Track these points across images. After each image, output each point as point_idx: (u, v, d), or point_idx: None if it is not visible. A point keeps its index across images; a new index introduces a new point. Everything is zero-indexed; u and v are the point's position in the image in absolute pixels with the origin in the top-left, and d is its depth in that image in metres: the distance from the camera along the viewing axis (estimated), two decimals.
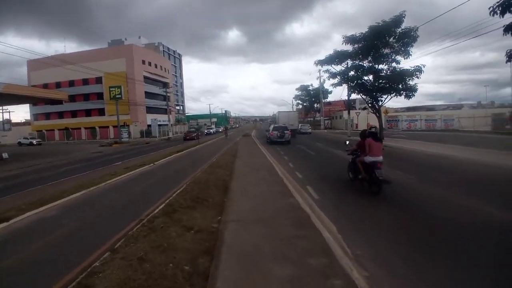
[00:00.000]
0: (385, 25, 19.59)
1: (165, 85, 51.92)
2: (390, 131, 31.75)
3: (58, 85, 50.74)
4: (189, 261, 3.64)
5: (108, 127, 48.28)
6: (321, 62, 24.05)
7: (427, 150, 14.24)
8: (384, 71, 21.37)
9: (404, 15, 19.27)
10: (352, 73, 23.02)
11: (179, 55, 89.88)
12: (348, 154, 8.08)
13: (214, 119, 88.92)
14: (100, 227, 5.67)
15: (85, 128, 50.87)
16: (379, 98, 21.64)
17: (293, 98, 62.80)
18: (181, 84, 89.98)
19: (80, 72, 41.95)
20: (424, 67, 19.29)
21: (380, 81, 21.06)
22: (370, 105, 22.82)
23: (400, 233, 4.48)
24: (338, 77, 23.74)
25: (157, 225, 4.95)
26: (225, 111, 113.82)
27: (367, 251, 3.86)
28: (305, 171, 9.93)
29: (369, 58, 21.52)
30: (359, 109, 40.98)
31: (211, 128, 56.24)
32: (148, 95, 51.95)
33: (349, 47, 22.11)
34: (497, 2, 8.39)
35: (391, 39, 20.09)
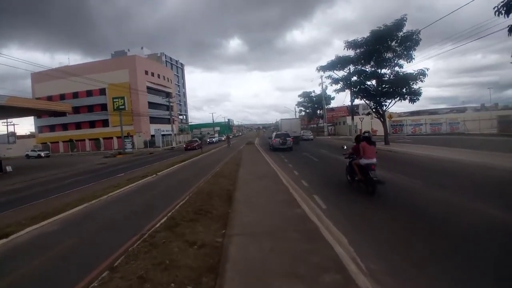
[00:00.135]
0: (386, 29, 19.53)
1: (168, 95, 52.30)
2: (395, 136, 31.37)
3: (62, 97, 51.30)
4: (192, 280, 3.41)
5: (112, 138, 48.49)
6: (323, 68, 24.03)
7: (434, 154, 13.90)
8: (387, 76, 21.23)
9: (405, 19, 19.21)
10: (354, 78, 22.91)
11: (182, 64, 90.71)
12: (346, 158, 8.52)
13: (217, 128, 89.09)
14: (100, 242, 5.47)
15: (90, 139, 51.18)
16: (383, 103, 21.40)
17: (296, 105, 62.68)
18: (184, 93, 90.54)
19: (84, 83, 42.36)
20: (427, 70, 19.09)
21: (384, 85, 20.90)
22: (374, 110, 22.60)
23: (413, 243, 4.22)
24: (341, 82, 23.65)
25: (159, 240, 4.74)
26: (228, 119, 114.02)
27: (382, 264, 3.61)
28: (310, 179, 9.69)
29: (372, 63, 21.42)
30: (362, 114, 40.82)
31: (214, 137, 55.90)
32: (151, 105, 52.24)
33: (351, 52, 22.09)
34: (502, 2, 8.22)
35: (393, 43, 20.01)
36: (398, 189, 7.60)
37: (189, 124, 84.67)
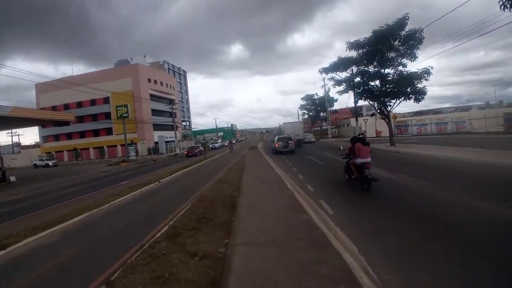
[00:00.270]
0: (389, 28, 19.30)
1: (171, 101, 52.49)
2: (400, 137, 30.94)
3: (66, 106, 51.75)
4: None
5: (116, 146, 48.65)
6: (325, 70, 23.82)
7: (441, 154, 13.52)
8: (391, 75, 20.95)
9: (407, 18, 18.97)
10: (358, 79, 22.65)
11: (184, 71, 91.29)
12: (343, 158, 9.08)
13: (221, 133, 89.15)
14: (99, 254, 5.25)
15: (94, 148, 51.41)
16: (387, 103, 21.08)
17: (299, 108, 62.50)
18: (187, 100, 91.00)
19: (88, 93, 42.66)
20: (432, 68, 18.77)
21: (388, 85, 20.61)
22: (378, 110, 22.29)
23: (426, 248, 3.94)
24: (344, 84, 23.39)
25: (159, 251, 4.51)
26: (231, 124, 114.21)
27: (395, 275, 3.34)
28: (315, 183, 9.42)
29: (375, 63, 21.17)
30: (366, 115, 40.41)
31: (216, 143, 55.53)
32: (155, 112, 52.42)
33: (353, 53, 21.86)
34: None
35: (396, 42, 19.76)
36: (407, 192, 7.32)
37: (193, 130, 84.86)
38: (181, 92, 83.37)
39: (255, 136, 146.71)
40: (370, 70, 21.79)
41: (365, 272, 3.36)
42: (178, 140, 52.07)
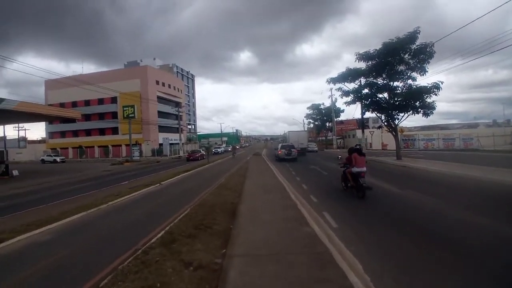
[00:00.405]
0: (399, 41, 19.15)
1: (177, 104, 52.65)
2: (407, 151, 30.46)
3: (74, 104, 52.23)
4: None
5: (120, 145, 48.82)
6: (333, 80, 23.66)
7: (449, 171, 13.16)
8: (400, 89, 20.71)
9: (418, 31, 18.82)
10: (366, 90, 22.45)
11: (192, 75, 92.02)
12: (341, 167, 9.50)
13: (225, 138, 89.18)
14: (90, 257, 5.03)
15: (99, 146, 51.66)
16: (395, 116, 20.79)
17: (304, 117, 62.27)
18: (194, 103, 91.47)
19: (96, 92, 43.05)
20: (442, 83, 18.50)
21: (396, 98, 20.35)
22: (385, 123, 21.99)
23: (436, 270, 3.66)
24: (351, 95, 23.19)
25: (152, 258, 4.28)
26: (236, 130, 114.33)
27: None
28: (319, 194, 9.14)
29: (383, 75, 20.96)
30: (372, 127, 40.05)
31: (219, 147, 55.09)
32: (161, 114, 52.63)
33: (362, 65, 21.72)
34: None
35: (406, 56, 19.58)
36: (415, 208, 7.02)
37: (198, 133, 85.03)
38: (188, 96, 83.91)
39: (260, 143, 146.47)
40: (379, 82, 21.59)
41: None
42: (183, 143, 52.08)
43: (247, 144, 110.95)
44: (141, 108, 47.11)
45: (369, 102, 22.29)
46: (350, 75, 22.59)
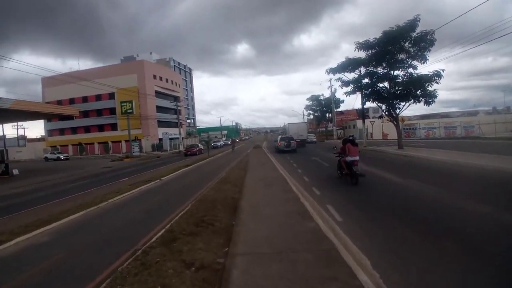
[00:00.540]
0: (399, 29, 18.81)
1: (176, 99, 52.22)
2: (408, 140, 30.29)
3: (72, 101, 51.84)
4: None
5: (120, 141, 48.59)
6: (332, 70, 23.35)
7: (451, 159, 13.00)
8: (400, 77, 20.44)
9: (418, 19, 18.46)
10: (366, 80, 22.18)
11: (190, 69, 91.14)
12: (336, 157, 10.27)
13: (225, 132, 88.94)
14: (89, 259, 4.89)
15: (98, 143, 51.44)
16: (396, 106, 20.55)
17: (304, 108, 61.92)
18: (192, 97, 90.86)
19: (93, 88, 42.57)
20: (443, 71, 18.23)
21: (397, 87, 20.08)
22: (386, 113, 21.77)
23: (448, 264, 3.53)
24: (351, 85, 22.92)
25: (152, 259, 4.15)
26: (236, 123, 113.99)
27: None
28: (322, 186, 9.01)
29: (384, 65, 20.67)
30: (372, 117, 39.77)
31: (218, 141, 54.30)
32: (160, 109, 52.24)
33: (361, 54, 21.39)
34: None
35: (406, 44, 19.24)
36: (420, 199, 6.87)
37: (197, 127, 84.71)
38: (186, 90, 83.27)
39: (260, 135, 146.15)
40: (379, 71, 21.30)
41: None
42: (183, 138, 51.83)
43: (247, 137, 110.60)
44: (139, 103, 46.75)
45: (370, 92, 22.05)
46: (350, 64, 22.27)
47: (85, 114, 46.03)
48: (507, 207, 5.78)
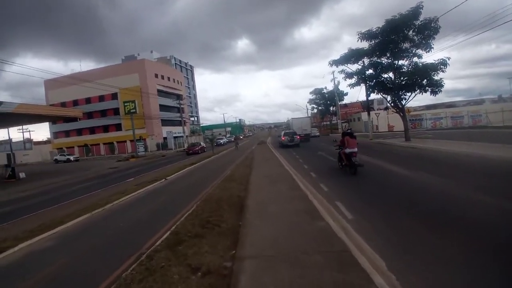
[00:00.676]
0: (402, 17, 18.32)
1: (178, 97, 52.06)
2: (415, 131, 29.80)
3: (75, 102, 52.05)
4: None
5: (125, 141, 48.76)
6: (335, 62, 22.94)
7: (461, 150, 12.67)
8: (405, 67, 19.96)
9: (421, 6, 17.93)
10: (370, 71, 21.74)
11: (191, 66, 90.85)
12: (336, 149, 10.79)
13: (229, 128, 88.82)
14: (93, 264, 4.78)
15: (104, 143, 51.69)
16: (402, 96, 20.11)
17: (308, 102, 61.45)
18: (195, 95, 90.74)
19: (96, 89, 42.62)
20: (449, 59, 17.74)
21: (402, 78, 19.63)
22: (392, 104, 21.35)
23: (467, 263, 3.32)
24: (355, 76, 22.50)
25: (157, 264, 4.00)
26: (239, 119, 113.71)
27: None
28: (329, 182, 8.76)
29: (388, 54, 20.19)
30: (377, 109, 39.24)
31: (221, 138, 53.60)
32: (163, 108, 52.17)
33: (364, 44, 20.94)
34: None
35: (410, 32, 18.75)
36: (433, 193, 6.62)
37: (201, 125, 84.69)
38: (189, 87, 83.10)
39: (263, 131, 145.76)
40: (383, 61, 20.83)
41: None
42: (187, 136, 51.84)
43: (250, 133, 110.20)
44: (142, 102, 46.75)
45: (374, 83, 21.57)
46: (353, 56, 21.84)
47: (89, 115, 46.26)
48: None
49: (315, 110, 61.01)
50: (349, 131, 10.42)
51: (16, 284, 4.26)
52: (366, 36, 20.15)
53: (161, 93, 52.67)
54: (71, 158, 41.99)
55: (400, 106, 20.66)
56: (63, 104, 49.11)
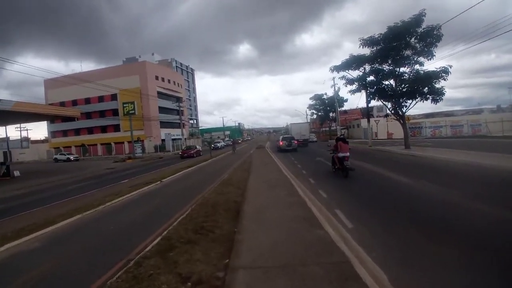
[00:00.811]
0: (404, 24, 18.32)
1: (178, 99, 51.99)
2: (414, 139, 29.72)
3: (74, 102, 51.84)
4: None
5: (123, 142, 48.43)
6: (336, 68, 22.91)
7: (460, 159, 12.54)
8: (407, 74, 19.90)
9: (424, 14, 17.95)
10: (371, 78, 21.69)
11: (192, 70, 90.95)
12: (330, 153, 11.33)
13: (228, 132, 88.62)
14: (78, 269, 4.51)
15: (101, 144, 51.36)
16: (403, 104, 20.01)
17: (307, 108, 61.42)
18: (195, 98, 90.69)
19: (96, 89, 42.44)
20: (451, 67, 17.68)
21: (403, 85, 19.56)
22: (392, 111, 21.24)
23: (478, 277, 3.11)
24: (356, 83, 22.45)
25: (145, 272, 3.76)
26: (239, 123, 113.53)
27: None
28: (328, 189, 8.54)
29: (389, 61, 20.17)
30: (377, 116, 39.20)
31: (219, 142, 52.60)
32: (162, 110, 52.00)
33: (366, 51, 20.93)
34: None
35: (412, 39, 18.73)
36: (435, 203, 6.43)
37: (200, 128, 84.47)
38: (189, 90, 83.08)
39: (262, 135, 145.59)
40: (384, 68, 20.81)
41: None
42: (185, 138, 51.58)
43: (249, 138, 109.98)
44: (141, 104, 46.59)
45: (375, 90, 21.52)
46: (354, 62, 21.82)
47: (87, 115, 46.04)
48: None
49: (315, 116, 60.95)
50: (342, 136, 11.28)
51: None
52: (368, 42, 20.14)
53: (161, 95, 52.57)
54: (71, 157, 41.57)
55: (401, 114, 20.58)
56: (62, 104, 48.84)
